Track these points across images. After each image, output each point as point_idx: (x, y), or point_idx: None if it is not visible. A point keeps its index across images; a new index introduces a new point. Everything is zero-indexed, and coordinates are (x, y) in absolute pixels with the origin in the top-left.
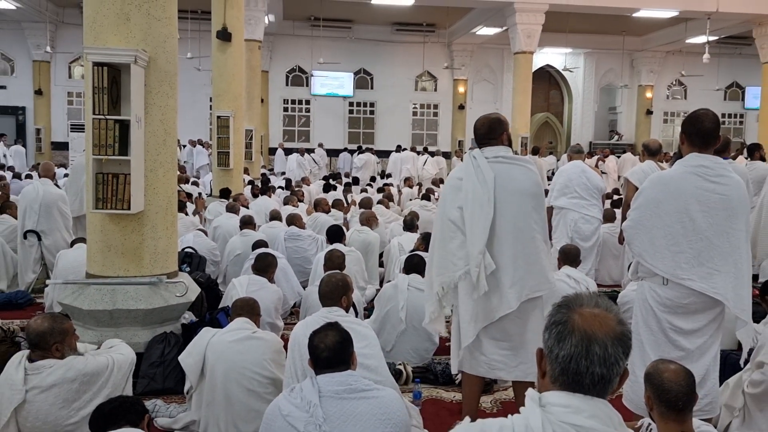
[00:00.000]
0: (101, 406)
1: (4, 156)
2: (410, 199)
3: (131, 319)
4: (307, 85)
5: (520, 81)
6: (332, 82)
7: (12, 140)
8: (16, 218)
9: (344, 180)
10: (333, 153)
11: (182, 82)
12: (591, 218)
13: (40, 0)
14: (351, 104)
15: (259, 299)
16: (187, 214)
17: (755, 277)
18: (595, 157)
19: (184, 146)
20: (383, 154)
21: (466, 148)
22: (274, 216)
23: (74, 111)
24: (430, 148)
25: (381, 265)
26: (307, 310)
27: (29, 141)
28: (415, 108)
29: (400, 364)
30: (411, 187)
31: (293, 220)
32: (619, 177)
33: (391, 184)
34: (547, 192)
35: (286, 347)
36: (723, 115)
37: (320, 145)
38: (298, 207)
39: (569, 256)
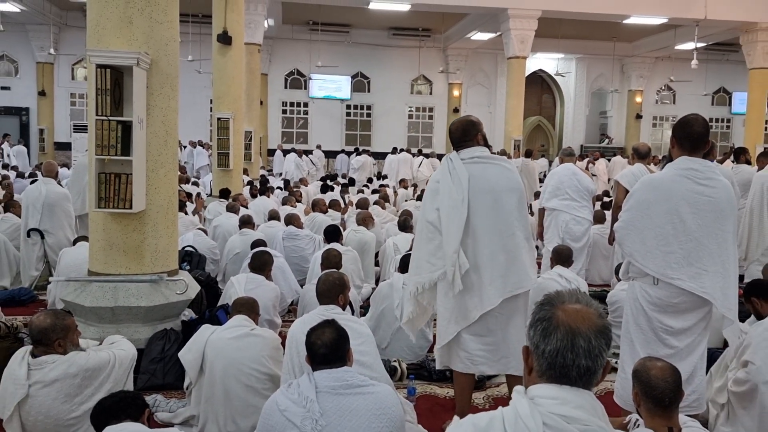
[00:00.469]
0: (102, 400)
1: (8, 156)
2: (405, 200)
3: (132, 316)
4: (305, 88)
5: (514, 85)
6: (330, 85)
7: (15, 140)
8: (19, 217)
9: (341, 181)
10: (330, 154)
11: (183, 84)
12: (581, 219)
13: (44, 3)
14: (348, 107)
15: (257, 297)
16: (187, 213)
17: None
18: (586, 160)
19: (185, 147)
20: (379, 156)
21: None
22: (273, 216)
23: (77, 112)
24: (425, 150)
25: (377, 264)
26: (304, 308)
27: (32, 141)
28: (410, 111)
29: (395, 361)
30: (406, 188)
31: (291, 220)
32: (609, 179)
33: (387, 185)
34: (539, 194)
35: (284, 344)
36: (710, 120)
37: (318, 147)
38: (296, 207)
39: (562, 257)
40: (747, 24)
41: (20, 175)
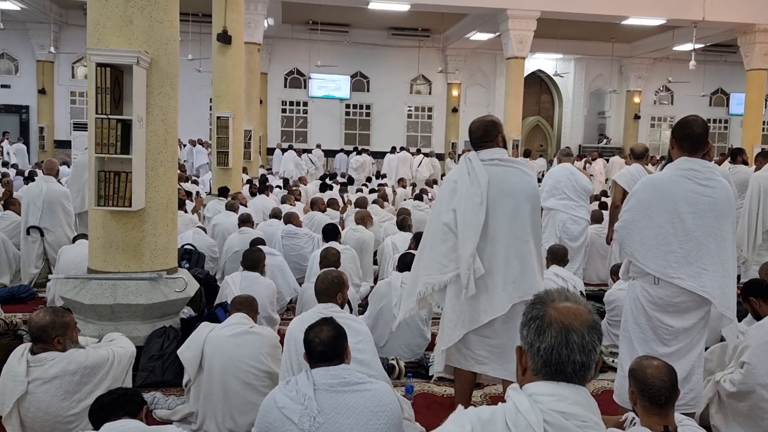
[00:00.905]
0: (101, 397)
1: (8, 153)
2: (404, 199)
3: (131, 314)
4: (304, 87)
5: (512, 85)
6: (329, 85)
7: (15, 138)
8: (19, 214)
9: (340, 180)
10: (330, 154)
11: (183, 83)
12: (579, 219)
13: (45, 1)
14: (347, 106)
15: (254, 294)
16: (186, 211)
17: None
18: (583, 160)
19: (185, 145)
20: (378, 156)
21: (459, 150)
22: (275, 214)
23: (77, 110)
24: (424, 150)
25: (375, 262)
26: (303, 306)
27: (32, 139)
28: (409, 110)
29: (392, 359)
30: (405, 187)
31: (290, 219)
32: (606, 179)
33: (386, 185)
34: None
35: (282, 342)
36: (708, 121)
37: (318, 146)
38: (294, 206)
39: (557, 256)
40: (745, 25)
41: (20, 173)
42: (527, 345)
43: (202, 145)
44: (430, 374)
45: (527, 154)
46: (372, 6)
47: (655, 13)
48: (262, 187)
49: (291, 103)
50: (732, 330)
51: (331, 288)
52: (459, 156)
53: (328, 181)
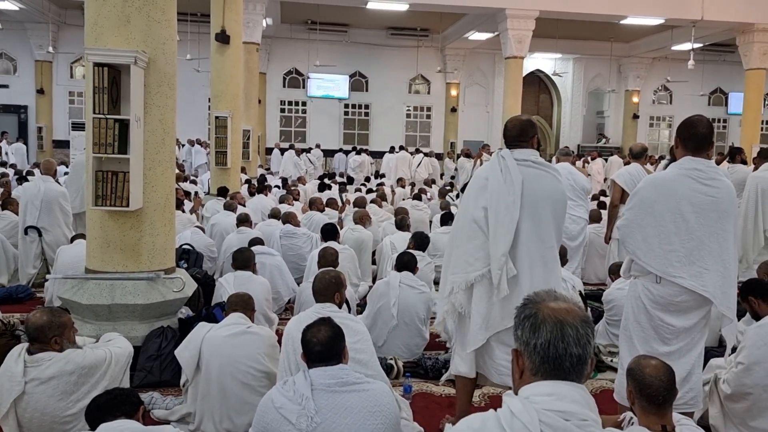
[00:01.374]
0: (97, 398)
1: (6, 154)
2: (403, 199)
3: (129, 314)
4: (303, 87)
5: (511, 85)
6: (328, 85)
7: (14, 138)
8: (17, 214)
9: (339, 180)
10: (328, 153)
11: (181, 82)
12: (577, 218)
13: (43, 1)
14: (346, 106)
15: (248, 292)
16: (184, 211)
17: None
18: (582, 159)
19: (183, 145)
20: (377, 155)
21: (458, 149)
22: (274, 214)
23: (75, 110)
24: (423, 150)
25: (374, 262)
26: (301, 306)
27: (31, 139)
28: (408, 110)
29: (391, 359)
30: (404, 187)
31: (288, 218)
32: (605, 179)
33: (383, 184)
34: None
35: (280, 342)
36: None
37: (317, 146)
38: (293, 206)
39: None
40: (743, 25)
41: (18, 173)
42: (523, 344)
43: (201, 145)
44: (442, 377)
45: None
46: (371, 6)
47: (653, 13)
48: (260, 186)
49: (290, 103)
50: (732, 330)
51: (329, 288)
52: (458, 156)
53: (326, 180)
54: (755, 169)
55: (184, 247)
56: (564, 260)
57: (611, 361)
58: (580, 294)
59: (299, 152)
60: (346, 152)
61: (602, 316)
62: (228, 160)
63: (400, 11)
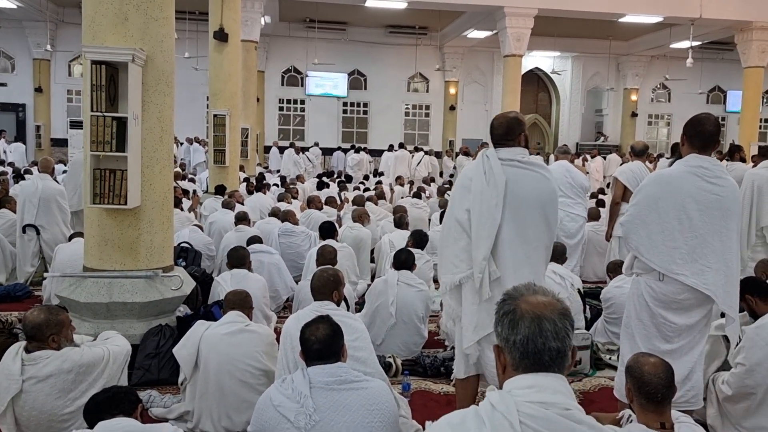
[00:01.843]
0: (95, 396)
1: (4, 152)
2: (402, 197)
3: (127, 312)
4: (302, 85)
5: (510, 83)
6: (327, 83)
7: (12, 137)
8: (15, 213)
9: (337, 179)
10: (327, 152)
11: (180, 81)
12: (576, 216)
13: None
14: (345, 104)
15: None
16: (182, 210)
17: None
18: (581, 157)
19: (182, 144)
20: (376, 154)
21: (457, 147)
22: (274, 213)
23: (74, 108)
24: (422, 148)
25: (372, 260)
26: (299, 305)
27: (29, 138)
28: (407, 108)
29: (389, 357)
30: (403, 185)
31: (287, 217)
32: (604, 177)
33: (382, 183)
34: None
35: (278, 340)
36: None
37: (315, 144)
38: (291, 204)
39: (555, 253)
40: (742, 23)
41: (16, 171)
42: (503, 341)
43: (199, 143)
44: (428, 370)
45: None
46: (369, 4)
47: (652, 11)
48: (259, 185)
49: (288, 101)
50: (734, 329)
51: (327, 286)
52: (456, 154)
53: (325, 179)
54: (754, 166)
55: (182, 245)
56: (563, 258)
57: (609, 359)
58: (579, 292)
59: (299, 150)
60: (345, 150)
61: (601, 314)
62: (226, 159)
63: (399, 9)
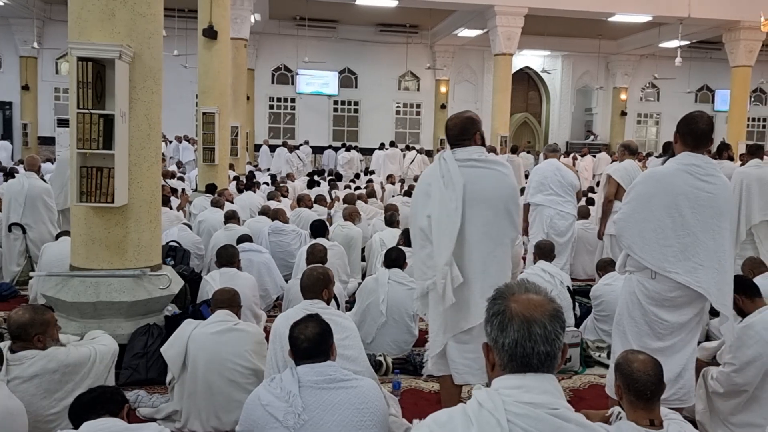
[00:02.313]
0: (81, 396)
1: None
2: (393, 196)
3: (115, 311)
4: (292, 84)
5: (500, 82)
6: (317, 81)
7: None
8: (0, 212)
9: (328, 177)
10: (317, 150)
11: (169, 78)
12: (566, 214)
13: None
14: (335, 102)
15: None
16: (171, 208)
17: None
18: (571, 156)
19: (171, 142)
20: (367, 152)
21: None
22: (264, 211)
23: (61, 106)
24: (414, 146)
25: (363, 259)
26: (289, 303)
27: (16, 136)
28: (398, 107)
29: (380, 356)
30: (394, 183)
31: (277, 215)
32: (594, 176)
33: (373, 181)
34: (524, 190)
35: (268, 339)
36: None
37: (306, 143)
38: (281, 202)
39: (544, 251)
40: (730, 22)
41: (2, 170)
42: (492, 341)
43: (189, 141)
44: (420, 373)
45: (514, 150)
46: (360, 2)
47: (641, 10)
48: (249, 183)
49: (278, 100)
50: (729, 327)
51: (317, 284)
52: None
53: (316, 177)
54: (742, 164)
55: (170, 244)
56: (552, 256)
57: (599, 356)
58: (569, 289)
59: (291, 149)
60: (336, 149)
61: (590, 311)
62: (216, 157)
63: (390, 7)
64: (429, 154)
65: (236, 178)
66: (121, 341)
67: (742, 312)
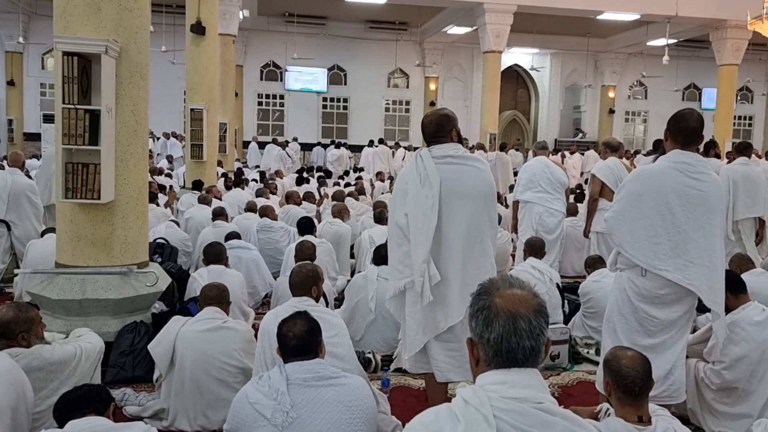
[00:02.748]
0: (65, 394)
1: None
2: (382, 193)
3: (101, 309)
4: (281, 80)
5: (489, 79)
6: (306, 78)
7: None
8: None
9: (317, 174)
10: (306, 147)
11: (157, 74)
12: (555, 211)
13: None
14: (324, 99)
15: None
16: (158, 205)
17: None
18: (560, 153)
19: (158, 138)
20: (356, 149)
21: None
22: (250, 207)
23: (47, 102)
24: (403, 144)
25: (352, 256)
26: (278, 301)
27: (1, 132)
28: (387, 104)
29: (369, 353)
30: (383, 180)
31: (265, 212)
32: (582, 173)
33: (362, 178)
34: (513, 187)
35: (256, 336)
36: None
37: (294, 139)
38: (270, 199)
39: (534, 248)
40: (717, 21)
41: None
42: (477, 336)
43: (176, 137)
44: (397, 366)
45: (502, 147)
46: None
47: (629, 8)
48: (237, 180)
49: (267, 96)
50: (720, 324)
51: (306, 281)
52: None
53: (305, 174)
54: (729, 162)
55: (158, 241)
56: (542, 253)
57: (587, 353)
58: (557, 286)
59: (281, 145)
60: (325, 146)
61: (579, 308)
62: (204, 154)
63: (379, 4)
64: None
65: (224, 175)
66: (107, 339)
67: (726, 308)
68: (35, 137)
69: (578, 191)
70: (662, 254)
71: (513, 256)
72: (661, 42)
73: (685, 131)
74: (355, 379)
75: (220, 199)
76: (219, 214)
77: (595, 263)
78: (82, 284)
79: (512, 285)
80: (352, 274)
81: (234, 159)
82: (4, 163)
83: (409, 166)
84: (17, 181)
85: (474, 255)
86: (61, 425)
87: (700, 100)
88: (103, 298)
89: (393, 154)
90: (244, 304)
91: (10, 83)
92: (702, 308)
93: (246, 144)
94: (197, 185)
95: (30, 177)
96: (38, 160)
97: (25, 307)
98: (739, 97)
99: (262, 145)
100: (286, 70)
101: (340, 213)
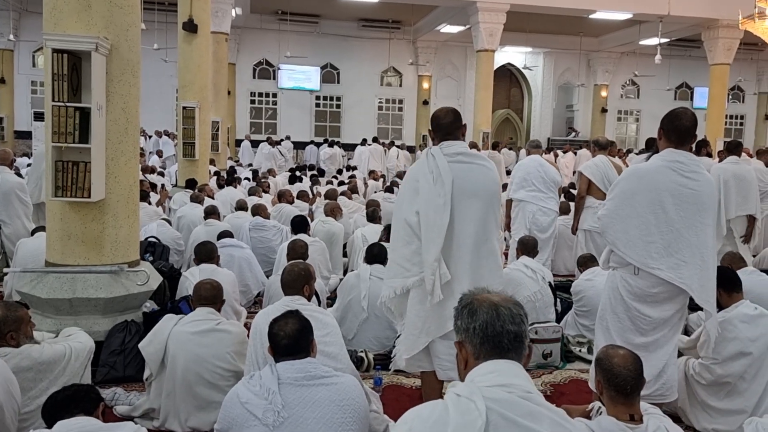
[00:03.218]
0: (54, 394)
1: None
2: (375, 191)
3: (91, 308)
4: (274, 79)
5: (482, 78)
6: (299, 76)
7: None
8: None
9: (309, 173)
10: (299, 145)
11: (149, 72)
12: (548, 210)
13: None
14: (317, 98)
15: None
16: (150, 203)
17: None
18: (552, 152)
19: (150, 136)
20: (349, 148)
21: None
22: (241, 206)
23: (38, 100)
24: (397, 142)
25: (345, 255)
26: (270, 299)
27: None
28: (380, 103)
29: (361, 352)
30: (376, 179)
31: (258, 211)
32: (574, 172)
33: (355, 177)
34: (506, 186)
35: (248, 335)
36: None
37: (287, 138)
38: (262, 198)
39: (527, 247)
40: (709, 20)
41: None
42: (463, 331)
43: (168, 136)
44: (389, 367)
45: (495, 146)
46: None
47: (621, 8)
48: (230, 179)
49: (260, 95)
50: (712, 323)
51: (298, 280)
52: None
53: (297, 173)
54: (720, 161)
55: (149, 239)
56: (534, 252)
57: (580, 351)
58: (550, 285)
59: (274, 144)
60: (318, 144)
61: (571, 306)
62: (196, 152)
63: (372, 2)
64: (411, 150)
65: (217, 173)
66: (97, 338)
67: (719, 305)
68: (26, 135)
69: (570, 190)
70: (655, 253)
71: (506, 254)
72: (653, 41)
73: (678, 130)
74: (346, 378)
75: (213, 198)
76: (211, 213)
77: (587, 262)
78: (72, 283)
79: (489, 292)
80: (345, 272)
81: (227, 157)
82: None
83: (420, 164)
84: (6, 179)
85: (482, 254)
86: (49, 425)
87: (692, 99)
88: (93, 297)
89: (386, 152)
90: (236, 302)
91: (1, 81)
92: (694, 307)
93: (239, 142)
94: (191, 184)
95: (20, 175)
96: (29, 158)
97: (14, 307)
98: (730, 97)
99: (255, 144)
100: (279, 69)
101: (333, 212)
